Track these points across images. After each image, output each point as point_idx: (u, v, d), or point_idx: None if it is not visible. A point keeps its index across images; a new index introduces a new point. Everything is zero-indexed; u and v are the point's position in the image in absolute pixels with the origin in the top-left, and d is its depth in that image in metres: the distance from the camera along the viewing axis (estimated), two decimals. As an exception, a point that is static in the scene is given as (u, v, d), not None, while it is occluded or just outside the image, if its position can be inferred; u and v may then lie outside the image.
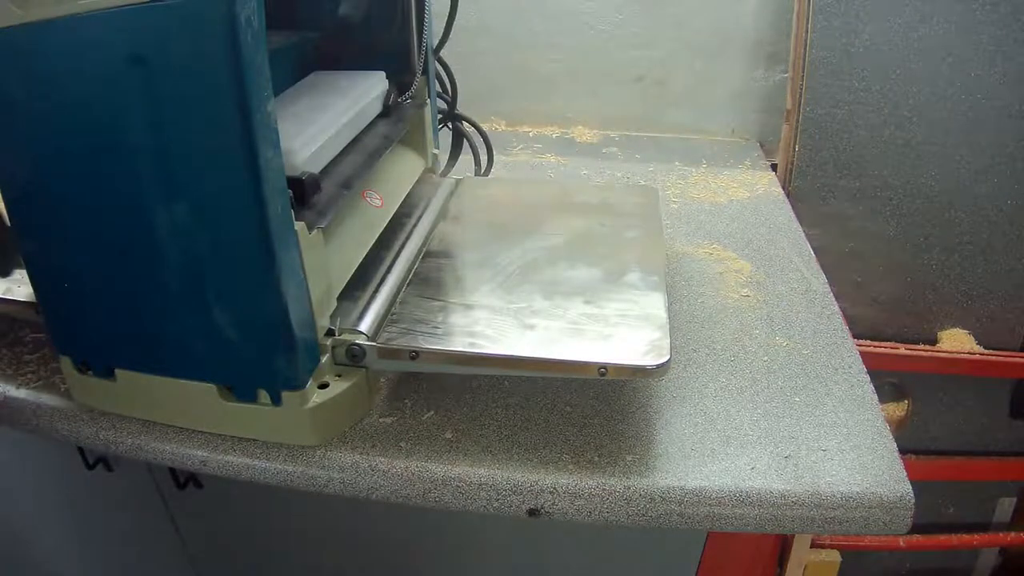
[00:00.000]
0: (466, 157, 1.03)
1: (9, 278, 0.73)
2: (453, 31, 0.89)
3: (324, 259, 0.60)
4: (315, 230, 0.57)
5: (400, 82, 0.82)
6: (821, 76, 1.15)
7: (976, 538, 1.34)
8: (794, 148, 1.19)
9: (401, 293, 0.68)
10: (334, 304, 0.63)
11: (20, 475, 0.87)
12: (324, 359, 0.61)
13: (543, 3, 1.25)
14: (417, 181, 0.86)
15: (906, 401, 1.27)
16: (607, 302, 0.65)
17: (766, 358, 0.72)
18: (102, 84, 0.48)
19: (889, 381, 1.28)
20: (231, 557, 0.87)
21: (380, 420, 0.64)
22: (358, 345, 0.61)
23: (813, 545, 0.80)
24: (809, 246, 0.94)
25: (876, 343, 1.23)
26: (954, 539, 1.31)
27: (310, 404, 0.59)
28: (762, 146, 1.29)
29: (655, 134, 1.33)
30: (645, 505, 0.58)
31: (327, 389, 0.61)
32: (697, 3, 1.22)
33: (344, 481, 0.61)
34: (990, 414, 1.32)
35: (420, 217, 0.81)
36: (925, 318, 1.26)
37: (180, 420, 0.63)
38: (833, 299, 0.82)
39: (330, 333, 0.61)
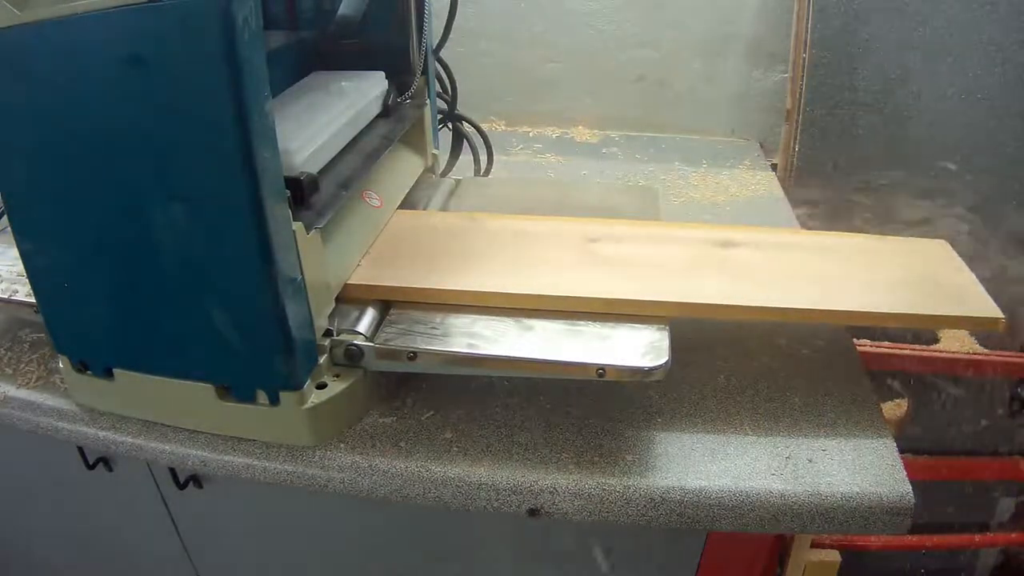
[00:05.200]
0: (466, 157, 1.03)
1: (9, 278, 0.73)
2: (453, 31, 0.89)
3: (322, 259, 0.60)
4: (313, 230, 0.57)
5: (400, 82, 0.82)
6: (821, 76, 1.14)
7: (976, 538, 1.34)
8: (794, 148, 1.18)
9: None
10: (332, 304, 0.63)
11: (20, 475, 0.87)
12: (322, 359, 0.61)
13: (543, 3, 1.25)
14: (417, 181, 0.86)
15: (906, 401, 1.27)
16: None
17: (766, 358, 0.72)
18: (100, 85, 0.48)
19: (889, 381, 1.27)
20: (231, 557, 0.87)
21: (380, 420, 0.64)
22: (356, 346, 0.61)
23: (813, 545, 0.80)
24: (809, 246, 0.93)
25: (876, 343, 1.22)
26: (954, 539, 1.31)
27: (308, 404, 0.59)
28: (762, 146, 1.29)
29: (655, 134, 1.32)
30: (645, 505, 0.58)
31: (325, 389, 0.61)
32: (697, 3, 1.22)
33: (344, 481, 0.61)
34: (990, 414, 1.32)
35: (420, 217, 0.80)
36: (925, 318, 1.26)
37: (179, 420, 0.63)
38: (833, 299, 0.82)
39: (328, 333, 0.61)
